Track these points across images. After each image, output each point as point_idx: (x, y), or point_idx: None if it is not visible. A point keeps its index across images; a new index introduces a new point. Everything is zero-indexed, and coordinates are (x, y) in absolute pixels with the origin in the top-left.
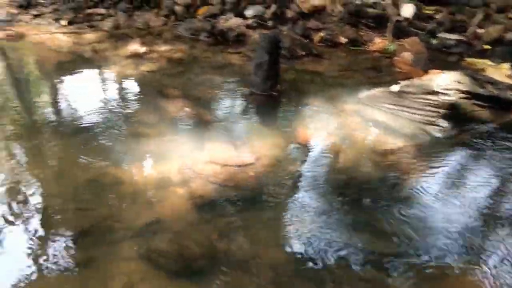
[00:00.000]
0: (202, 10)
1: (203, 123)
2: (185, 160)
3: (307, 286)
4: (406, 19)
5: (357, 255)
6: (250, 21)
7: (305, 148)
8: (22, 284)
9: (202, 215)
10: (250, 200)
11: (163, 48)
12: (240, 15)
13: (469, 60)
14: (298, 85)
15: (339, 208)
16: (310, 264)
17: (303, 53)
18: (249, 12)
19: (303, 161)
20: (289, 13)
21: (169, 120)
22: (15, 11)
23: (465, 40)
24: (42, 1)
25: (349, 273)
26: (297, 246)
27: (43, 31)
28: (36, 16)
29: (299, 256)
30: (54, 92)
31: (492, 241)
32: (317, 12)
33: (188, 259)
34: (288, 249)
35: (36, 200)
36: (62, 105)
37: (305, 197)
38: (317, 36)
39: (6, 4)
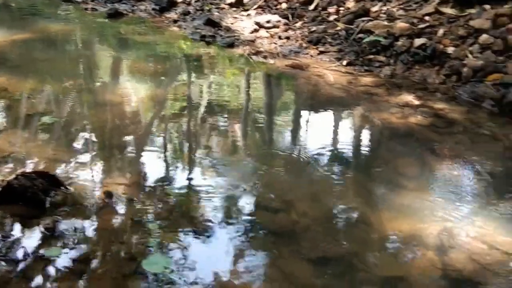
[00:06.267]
0: (494, 77)
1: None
2: (446, 225)
3: None
4: None
5: None
6: None
7: None
8: None
9: None
10: None
11: (438, 105)
12: None
13: None
14: None
15: None
16: None
17: None
18: None
19: None
20: None
21: (434, 177)
22: (304, 44)
23: None
24: (330, 41)
25: None
26: None
27: (323, 66)
28: (321, 52)
29: None
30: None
31: None
32: None
33: None
34: None
35: None
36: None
37: None
38: None
39: (300, 38)
